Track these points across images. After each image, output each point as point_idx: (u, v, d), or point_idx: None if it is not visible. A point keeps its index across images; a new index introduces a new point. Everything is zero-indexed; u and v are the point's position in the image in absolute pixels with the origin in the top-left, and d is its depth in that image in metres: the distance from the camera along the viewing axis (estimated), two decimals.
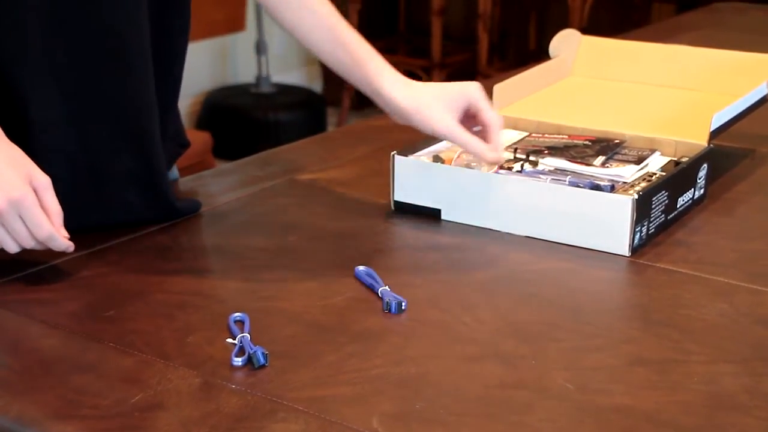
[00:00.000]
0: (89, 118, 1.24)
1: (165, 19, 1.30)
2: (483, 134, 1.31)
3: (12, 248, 1.13)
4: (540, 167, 1.36)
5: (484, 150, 1.28)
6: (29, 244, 1.13)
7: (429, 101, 1.30)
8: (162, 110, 1.31)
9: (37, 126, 1.20)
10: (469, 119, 1.32)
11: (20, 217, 1.10)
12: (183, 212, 1.34)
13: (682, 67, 1.66)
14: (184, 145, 1.44)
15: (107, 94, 1.24)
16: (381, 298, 1.11)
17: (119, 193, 1.28)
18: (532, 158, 1.37)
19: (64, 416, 0.91)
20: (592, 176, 1.33)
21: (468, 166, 1.35)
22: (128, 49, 1.24)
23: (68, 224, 1.14)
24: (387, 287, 1.12)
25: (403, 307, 1.09)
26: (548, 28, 4.38)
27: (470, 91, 1.31)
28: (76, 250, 1.23)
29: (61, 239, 1.13)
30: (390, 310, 1.08)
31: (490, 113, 1.31)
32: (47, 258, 1.20)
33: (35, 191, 1.11)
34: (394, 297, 1.10)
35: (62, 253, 1.19)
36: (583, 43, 1.72)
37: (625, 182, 1.31)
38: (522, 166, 1.35)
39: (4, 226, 1.11)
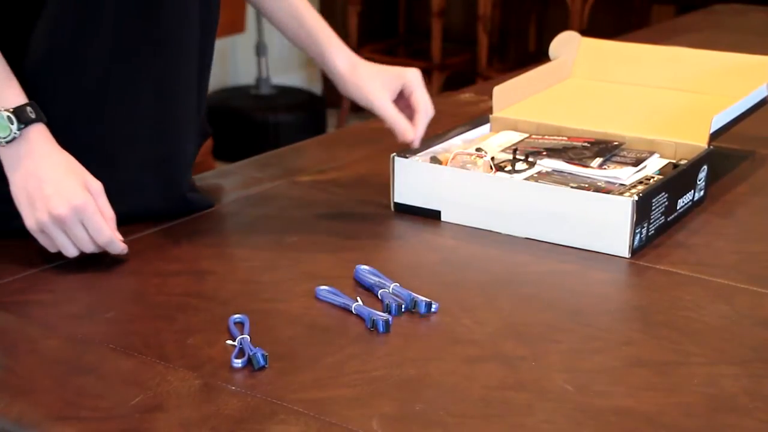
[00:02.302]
0: (111, 107, 1.25)
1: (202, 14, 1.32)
2: (412, 117, 1.40)
3: (72, 253, 1.17)
4: (537, 168, 1.36)
5: (405, 129, 1.37)
6: (89, 249, 1.17)
7: (369, 77, 1.40)
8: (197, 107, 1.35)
9: (60, 118, 1.20)
10: (406, 104, 1.41)
11: (81, 223, 1.15)
12: (195, 206, 1.36)
13: (681, 69, 1.66)
14: (206, 134, 1.45)
15: (141, 83, 1.26)
16: (381, 300, 1.11)
17: (134, 182, 1.29)
18: (530, 159, 1.37)
19: (64, 418, 0.91)
20: (588, 178, 1.33)
21: (463, 166, 1.35)
22: (170, 39, 1.26)
23: None
24: (389, 288, 1.12)
25: (402, 309, 1.09)
26: (548, 30, 4.39)
27: (407, 75, 1.41)
28: None
29: (119, 243, 1.18)
30: (390, 312, 1.08)
31: (421, 98, 1.39)
32: (47, 259, 1.20)
33: (91, 197, 1.15)
34: (394, 299, 1.10)
35: (61, 255, 1.19)
36: (582, 44, 1.72)
37: (622, 184, 1.31)
38: (514, 165, 1.35)
39: (65, 232, 1.15)
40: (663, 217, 1.29)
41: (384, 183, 1.39)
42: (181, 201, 1.34)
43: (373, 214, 1.37)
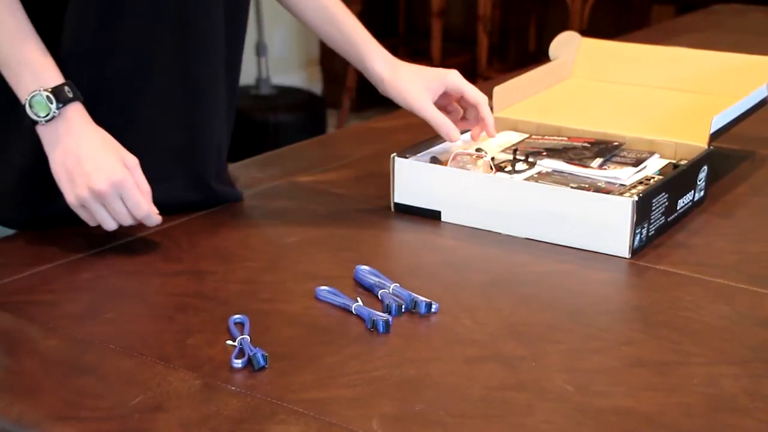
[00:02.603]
0: (137, 96, 1.28)
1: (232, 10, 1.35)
2: (472, 114, 1.42)
3: (111, 226, 1.21)
4: (537, 168, 1.36)
5: (450, 130, 1.38)
6: (127, 222, 1.21)
7: (408, 79, 1.41)
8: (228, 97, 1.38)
9: (87, 107, 1.23)
10: (448, 101, 1.43)
11: (120, 197, 1.18)
12: (222, 198, 1.38)
13: (681, 69, 1.66)
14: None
15: (165, 73, 1.29)
16: (381, 300, 1.11)
17: (161, 170, 1.30)
18: (530, 159, 1.37)
19: (64, 418, 0.91)
20: (589, 178, 1.33)
21: (463, 167, 1.35)
22: (195, 31, 1.29)
23: None
24: (389, 289, 1.12)
25: (402, 309, 1.09)
26: (548, 30, 4.39)
27: (448, 77, 1.41)
28: (76, 251, 1.23)
29: (155, 216, 1.22)
30: (390, 312, 1.08)
31: (471, 93, 1.40)
32: (47, 259, 1.21)
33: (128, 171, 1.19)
34: (394, 299, 1.10)
35: (62, 254, 1.19)
36: (582, 45, 1.72)
37: (622, 185, 1.31)
38: (514, 165, 1.35)
39: (105, 206, 1.19)
40: (663, 217, 1.29)
41: (384, 183, 1.39)
42: (207, 192, 1.36)
43: (373, 214, 1.37)
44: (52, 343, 1.04)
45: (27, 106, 1.17)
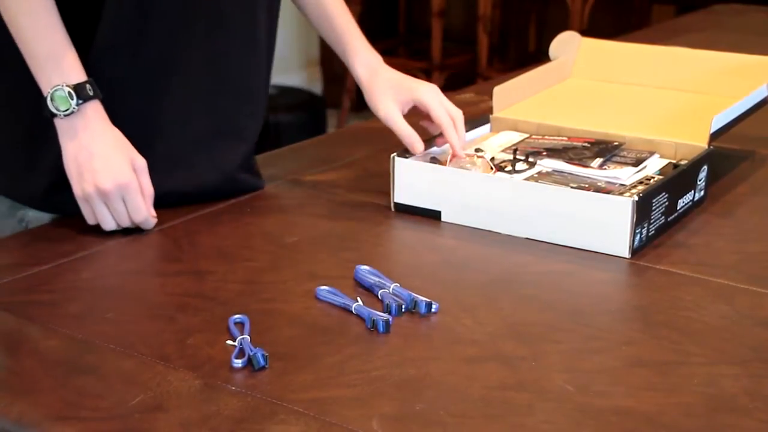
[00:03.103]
0: (166, 83, 1.31)
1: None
2: (443, 134, 1.40)
3: (110, 226, 1.25)
4: (537, 168, 1.36)
5: (413, 142, 1.37)
6: (125, 223, 1.25)
7: (381, 88, 1.42)
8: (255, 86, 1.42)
9: (119, 93, 1.28)
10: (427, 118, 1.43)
11: (122, 199, 1.23)
12: (244, 186, 1.41)
13: (681, 69, 1.66)
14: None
15: (195, 61, 1.32)
16: (381, 300, 1.11)
17: (186, 157, 1.35)
18: (530, 159, 1.37)
19: (64, 418, 0.91)
20: (589, 178, 1.33)
21: (462, 167, 1.35)
22: (226, 21, 1.33)
23: None
24: (389, 289, 1.12)
25: (403, 309, 1.09)
26: (548, 30, 4.39)
27: (418, 91, 1.41)
28: (76, 251, 1.23)
29: (152, 220, 1.27)
30: (390, 312, 1.08)
31: (438, 113, 1.38)
32: (47, 259, 1.21)
33: (135, 173, 1.24)
34: (394, 299, 1.10)
35: (62, 254, 1.19)
36: (583, 45, 1.72)
37: (622, 185, 1.31)
38: (514, 165, 1.35)
39: (107, 205, 1.23)
40: (663, 217, 1.29)
41: (384, 183, 1.39)
42: (230, 180, 1.39)
43: (373, 214, 1.37)
44: (52, 343, 1.04)
45: (48, 99, 1.21)
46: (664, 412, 0.92)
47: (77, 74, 1.22)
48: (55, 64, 1.22)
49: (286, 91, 4.40)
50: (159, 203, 1.29)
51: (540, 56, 1.81)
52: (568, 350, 1.03)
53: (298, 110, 4.26)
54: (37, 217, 1.34)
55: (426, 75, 4.35)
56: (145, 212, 1.25)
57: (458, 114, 1.40)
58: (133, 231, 1.29)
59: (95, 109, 1.23)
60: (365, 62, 1.44)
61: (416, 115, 1.42)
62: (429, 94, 1.40)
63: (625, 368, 1.01)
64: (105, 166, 1.22)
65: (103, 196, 1.22)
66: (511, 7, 4.61)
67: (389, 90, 1.41)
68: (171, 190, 1.33)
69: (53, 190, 1.30)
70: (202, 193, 1.37)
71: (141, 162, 1.25)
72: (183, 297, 1.13)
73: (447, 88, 1.59)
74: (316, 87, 4.85)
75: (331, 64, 4.89)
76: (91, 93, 1.22)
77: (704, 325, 1.08)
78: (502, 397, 0.94)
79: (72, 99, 1.21)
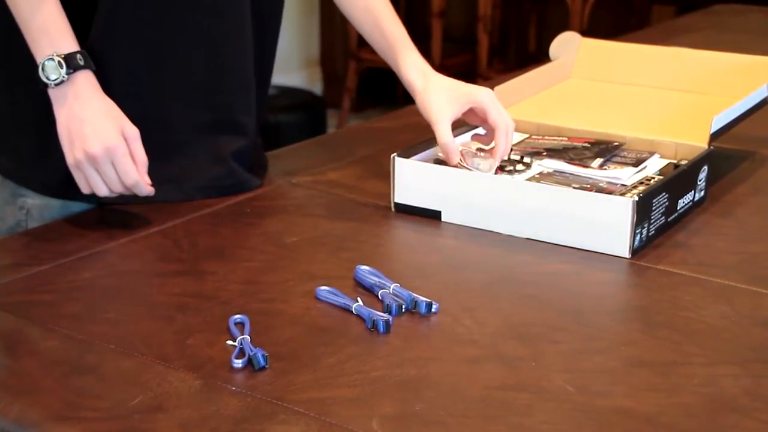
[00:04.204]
0: (166, 72, 1.34)
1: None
2: (493, 137, 1.38)
3: (103, 191, 1.25)
4: (539, 169, 1.36)
5: (450, 152, 1.35)
6: (118, 189, 1.25)
7: (434, 92, 1.40)
8: (257, 82, 1.43)
9: (117, 72, 1.31)
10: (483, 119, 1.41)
11: (112, 164, 1.23)
12: (239, 180, 1.42)
13: (682, 70, 1.66)
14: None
15: (194, 49, 1.35)
16: (381, 300, 1.11)
17: (185, 145, 1.38)
18: (525, 160, 1.37)
19: (64, 418, 0.91)
20: (590, 178, 1.33)
21: (472, 162, 1.34)
22: (226, 10, 1.36)
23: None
24: (389, 289, 1.12)
25: (403, 309, 1.09)
26: (548, 31, 4.39)
27: (478, 95, 1.39)
28: (76, 251, 1.23)
29: (144, 186, 1.26)
30: (390, 312, 1.08)
31: (496, 116, 1.37)
32: (47, 259, 1.21)
33: (126, 141, 1.24)
34: (394, 299, 1.10)
35: (62, 254, 1.19)
36: (583, 45, 1.72)
37: (623, 185, 1.31)
38: (515, 166, 1.35)
39: (97, 170, 1.24)
40: (663, 217, 1.29)
41: (384, 183, 1.39)
42: (228, 173, 1.40)
43: (373, 214, 1.37)
44: (52, 343, 1.04)
45: (40, 69, 1.23)
46: (664, 413, 0.92)
47: (69, 44, 1.24)
48: (47, 35, 1.24)
49: (286, 91, 4.40)
50: (158, 195, 1.30)
51: (540, 56, 1.81)
52: (568, 350, 1.03)
53: (298, 110, 4.27)
54: (37, 205, 1.35)
55: None
56: (134, 176, 1.24)
57: (512, 123, 1.38)
58: (133, 231, 1.28)
59: (86, 78, 1.25)
60: (418, 68, 1.43)
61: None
62: (488, 98, 1.39)
63: (625, 368, 1.01)
64: (93, 131, 1.23)
65: (92, 160, 1.23)
66: (511, 7, 4.61)
67: (443, 93, 1.39)
68: (169, 178, 1.34)
69: (70, 177, 1.31)
70: (200, 185, 1.38)
71: (132, 130, 1.25)
72: (183, 297, 1.13)
73: None
74: (316, 87, 4.85)
75: (331, 64, 4.89)
76: (82, 63, 1.24)
77: (704, 326, 1.08)
78: (502, 398, 0.94)
79: (62, 68, 1.23)
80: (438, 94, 1.39)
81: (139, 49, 1.32)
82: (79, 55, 1.24)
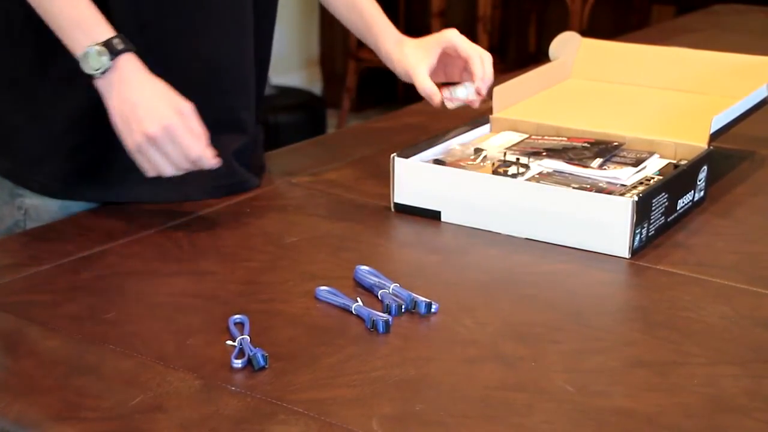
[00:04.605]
0: (163, 67, 1.31)
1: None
2: (468, 68, 1.42)
3: (168, 171, 1.24)
4: (538, 169, 1.36)
5: (431, 94, 1.39)
6: (184, 166, 1.24)
7: (410, 51, 1.44)
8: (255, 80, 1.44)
9: None
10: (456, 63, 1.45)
11: (172, 142, 1.22)
12: (239, 179, 1.42)
13: (681, 70, 1.66)
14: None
15: (188, 50, 1.36)
16: (381, 301, 1.11)
17: None
18: (522, 161, 1.37)
19: (64, 418, 0.91)
20: (590, 178, 1.33)
21: (450, 100, 1.37)
22: (219, 14, 1.36)
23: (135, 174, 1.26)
24: (389, 289, 1.12)
25: (402, 309, 1.09)
26: (548, 31, 4.39)
27: (444, 34, 1.44)
28: (75, 251, 1.23)
29: (209, 159, 1.25)
30: (390, 312, 1.08)
31: (467, 48, 1.43)
32: (47, 259, 1.21)
33: (182, 117, 1.23)
34: (394, 299, 1.10)
35: (62, 254, 1.19)
36: (582, 45, 1.72)
37: (623, 185, 1.31)
38: (518, 169, 1.35)
39: (158, 151, 1.22)
40: (663, 217, 1.29)
41: (384, 183, 1.39)
42: (227, 173, 1.39)
43: (373, 214, 1.37)
44: (52, 343, 1.04)
45: (82, 63, 1.22)
46: (664, 413, 0.92)
47: (104, 32, 1.23)
48: (80, 28, 1.23)
49: (286, 91, 4.40)
50: (159, 195, 1.31)
51: (540, 56, 1.81)
52: (568, 350, 1.03)
53: (298, 110, 4.26)
54: (35, 205, 1.35)
55: None
56: (198, 149, 1.23)
57: (486, 53, 1.43)
58: (133, 231, 1.29)
59: (129, 61, 1.23)
60: (394, 40, 1.46)
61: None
62: (455, 35, 1.43)
63: (625, 368, 1.01)
64: (148, 113, 1.22)
65: (153, 142, 1.21)
66: (511, 7, 4.61)
67: (417, 49, 1.43)
68: (169, 178, 1.34)
69: (73, 176, 1.31)
70: (200, 185, 1.38)
71: (186, 106, 1.24)
72: (182, 297, 1.13)
73: None
74: (316, 87, 4.85)
75: (331, 64, 4.89)
76: (121, 46, 1.23)
77: (704, 326, 1.08)
78: (501, 397, 0.94)
79: (103, 56, 1.21)
80: (412, 51, 1.43)
81: (138, 49, 1.32)
82: (116, 40, 1.23)
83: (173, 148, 1.22)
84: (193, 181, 1.38)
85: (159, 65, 1.32)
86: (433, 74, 1.43)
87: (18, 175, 1.36)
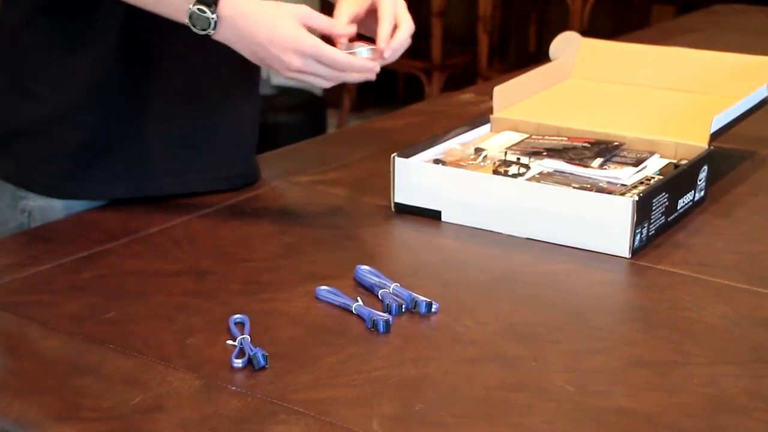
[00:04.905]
0: (168, 68, 1.33)
1: None
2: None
3: (329, 85, 1.24)
4: (539, 169, 1.36)
5: (331, 26, 1.26)
6: (342, 77, 1.23)
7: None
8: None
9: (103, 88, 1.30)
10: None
11: (317, 61, 1.20)
12: (241, 172, 1.42)
13: (682, 70, 1.66)
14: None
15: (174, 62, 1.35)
16: (381, 300, 1.11)
17: (188, 137, 1.38)
18: (523, 161, 1.37)
19: (64, 418, 0.91)
20: (590, 178, 1.33)
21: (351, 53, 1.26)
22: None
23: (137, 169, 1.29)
24: (389, 289, 1.12)
25: (403, 309, 1.09)
26: (548, 31, 4.39)
27: None
28: (75, 251, 1.23)
29: (359, 62, 1.22)
30: (390, 312, 1.08)
31: (385, 6, 1.28)
32: (47, 259, 1.21)
33: (310, 30, 1.20)
34: (394, 299, 1.10)
35: (62, 254, 1.19)
36: (583, 45, 1.72)
37: (623, 185, 1.31)
38: (518, 168, 1.35)
39: (311, 74, 1.21)
40: (663, 217, 1.29)
41: (384, 183, 1.39)
42: (228, 164, 1.39)
43: (373, 214, 1.37)
44: (52, 343, 1.04)
45: (193, 29, 1.20)
46: (664, 412, 0.92)
47: None
48: None
49: (286, 91, 4.40)
50: (164, 188, 1.31)
51: (540, 56, 1.81)
52: (568, 350, 1.03)
53: (298, 110, 4.26)
54: (39, 206, 1.35)
55: (426, 75, 4.35)
56: (343, 58, 1.21)
57: (408, 21, 1.30)
58: (133, 231, 1.29)
59: (228, 7, 1.20)
60: None
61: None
62: None
63: (625, 368, 1.01)
64: (280, 49, 1.19)
65: (301, 72, 1.21)
66: (511, 7, 4.61)
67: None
68: (171, 171, 1.36)
69: (76, 175, 1.31)
70: (200, 177, 1.38)
71: (305, 10, 1.21)
72: (183, 297, 1.13)
73: (447, 89, 1.60)
74: (316, 87, 4.84)
75: None
76: None
77: (704, 325, 1.08)
78: (502, 397, 0.94)
79: (204, 13, 1.19)
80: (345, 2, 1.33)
81: (136, 49, 1.32)
82: None
83: (321, 68, 1.21)
84: (196, 173, 1.38)
85: (148, 58, 1.32)
86: (364, 28, 1.33)
87: (21, 178, 1.36)
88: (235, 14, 1.20)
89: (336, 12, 1.30)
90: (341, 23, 1.27)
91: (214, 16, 1.19)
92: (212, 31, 1.20)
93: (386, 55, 1.27)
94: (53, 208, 1.35)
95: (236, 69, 1.39)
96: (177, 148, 1.37)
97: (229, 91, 1.41)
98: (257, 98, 1.47)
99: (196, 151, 1.39)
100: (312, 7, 1.25)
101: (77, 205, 1.35)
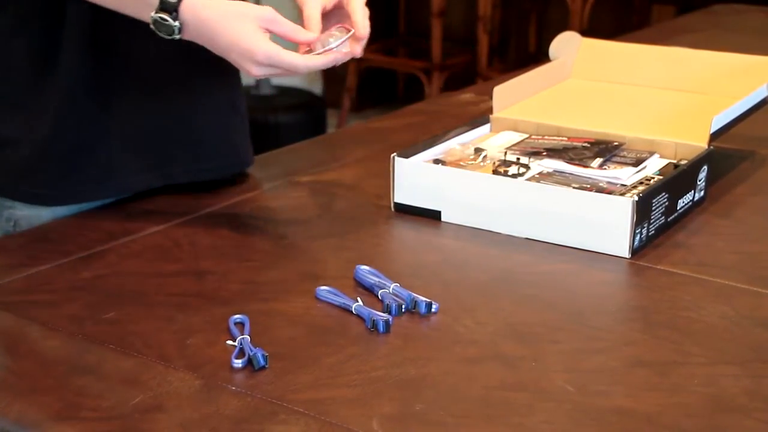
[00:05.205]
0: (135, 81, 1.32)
1: None
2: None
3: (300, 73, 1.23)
4: (539, 169, 1.36)
5: (308, 17, 1.26)
6: (303, 71, 1.22)
7: None
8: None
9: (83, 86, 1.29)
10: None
11: (278, 66, 1.19)
12: (224, 159, 1.43)
13: (682, 70, 1.66)
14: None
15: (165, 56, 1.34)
16: (381, 300, 1.11)
17: (172, 130, 1.38)
18: (523, 161, 1.37)
19: (64, 418, 0.91)
20: (590, 178, 1.33)
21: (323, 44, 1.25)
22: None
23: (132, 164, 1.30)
24: (389, 289, 1.12)
25: (403, 309, 1.09)
26: (548, 31, 4.39)
27: None
28: (75, 251, 1.23)
29: (321, 61, 1.21)
30: (390, 312, 1.08)
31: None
32: (47, 259, 1.21)
33: (268, 31, 1.19)
34: (394, 299, 1.10)
35: (62, 254, 1.19)
36: (583, 45, 1.72)
37: (623, 185, 1.31)
38: (518, 168, 1.35)
39: (276, 72, 1.21)
40: (663, 217, 1.29)
41: (384, 183, 1.39)
42: (212, 154, 1.40)
43: (373, 214, 1.37)
44: (52, 343, 1.04)
45: (158, 35, 1.19)
46: (664, 412, 0.92)
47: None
48: (137, 2, 1.20)
49: (286, 91, 4.40)
50: (144, 182, 1.32)
51: (540, 56, 1.81)
52: (568, 350, 1.03)
53: (298, 110, 4.26)
54: (25, 215, 1.34)
55: (426, 75, 4.35)
56: (301, 65, 1.20)
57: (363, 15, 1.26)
58: (133, 231, 1.29)
59: (189, 10, 1.19)
60: None
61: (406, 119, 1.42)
62: None
63: (625, 368, 1.01)
64: (239, 57, 1.19)
65: (264, 74, 1.21)
66: (511, 7, 4.61)
67: None
68: (154, 165, 1.36)
69: (63, 181, 1.31)
70: (183, 169, 1.39)
71: (269, 14, 1.20)
72: (183, 297, 1.13)
73: (447, 89, 1.60)
74: (316, 87, 4.84)
75: None
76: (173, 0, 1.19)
77: (704, 325, 1.08)
78: (502, 397, 0.94)
79: (167, 21, 1.18)
80: None
81: (106, 50, 1.31)
82: None
83: (279, 71, 1.20)
84: (177, 166, 1.37)
85: (128, 78, 1.32)
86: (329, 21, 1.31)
87: (7, 188, 1.35)
88: (195, 20, 1.20)
89: (304, 13, 1.27)
90: (308, 26, 1.25)
91: (176, 23, 1.19)
92: (178, 36, 1.20)
93: (362, 32, 1.24)
94: (39, 217, 1.34)
95: (209, 58, 1.37)
96: (157, 142, 1.37)
97: (204, 81, 1.40)
98: (238, 84, 1.45)
99: (176, 143, 1.38)
100: None
101: (64, 212, 1.34)
